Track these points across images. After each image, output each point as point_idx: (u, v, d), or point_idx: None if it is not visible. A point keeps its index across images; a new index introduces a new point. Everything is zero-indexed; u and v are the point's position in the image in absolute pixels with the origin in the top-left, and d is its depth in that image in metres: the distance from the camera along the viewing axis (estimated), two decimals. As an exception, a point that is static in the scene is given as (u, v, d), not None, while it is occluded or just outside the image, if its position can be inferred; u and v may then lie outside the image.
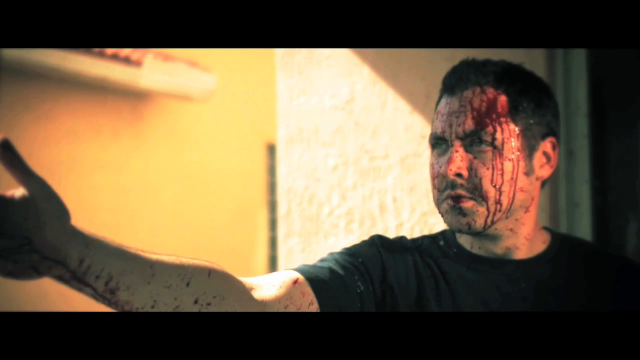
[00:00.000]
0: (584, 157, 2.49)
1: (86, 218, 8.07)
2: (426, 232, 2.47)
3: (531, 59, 2.42)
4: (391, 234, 2.52)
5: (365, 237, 2.58)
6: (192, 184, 9.51)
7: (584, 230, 2.48)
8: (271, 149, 10.54)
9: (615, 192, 2.66)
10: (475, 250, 1.52)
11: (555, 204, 2.46)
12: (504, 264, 1.50)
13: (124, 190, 8.67)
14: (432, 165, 1.50)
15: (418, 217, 2.50)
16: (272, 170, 10.62)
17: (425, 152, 2.50)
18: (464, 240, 1.54)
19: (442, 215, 1.49)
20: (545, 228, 1.59)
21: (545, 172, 1.51)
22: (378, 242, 1.54)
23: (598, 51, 2.56)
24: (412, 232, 2.50)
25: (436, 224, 2.46)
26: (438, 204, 1.49)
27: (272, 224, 10.45)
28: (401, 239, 1.59)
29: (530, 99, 1.48)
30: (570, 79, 2.50)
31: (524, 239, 1.51)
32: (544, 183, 1.54)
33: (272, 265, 10.24)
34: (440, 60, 2.43)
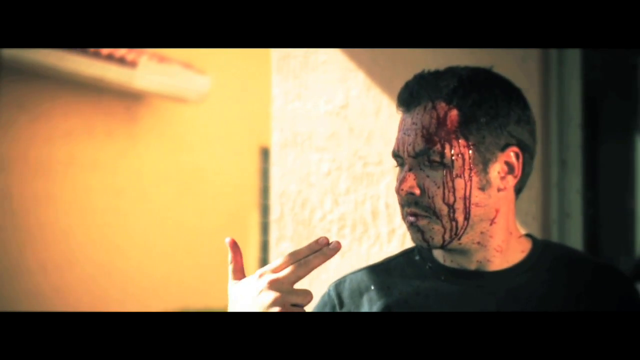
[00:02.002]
0: (576, 167, 2.49)
1: (80, 218, 8.05)
2: (418, 239, 2.47)
3: (525, 69, 2.43)
4: (383, 240, 2.52)
5: (357, 243, 2.59)
6: (185, 186, 9.51)
7: (575, 240, 2.49)
8: (265, 153, 10.54)
9: (607, 203, 2.67)
10: (448, 263, 1.51)
11: (547, 213, 2.47)
12: (479, 276, 1.48)
13: (117, 191, 8.66)
14: (396, 182, 1.50)
15: (410, 224, 2.51)
16: (265, 174, 10.62)
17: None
18: (438, 254, 1.52)
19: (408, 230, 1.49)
20: (528, 235, 1.56)
21: (507, 183, 1.46)
22: (336, 301, 1.55)
23: (592, 61, 2.57)
24: (403, 239, 2.50)
25: (428, 231, 2.46)
26: (402, 219, 1.49)
27: (264, 227, 10.44)
28: (361, 272, 1.58)
29: (485, 111, 1.44)
30: (564, 89, 2.51)
31: (494, 251, 1.48)
32: (519, 190, 1.50)
33: (264, 269, 10.22)
34: (436, 67, 2.44)
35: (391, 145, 2.60)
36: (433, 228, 1.44)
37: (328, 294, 1.58)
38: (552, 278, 1.50)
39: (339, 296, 1.55)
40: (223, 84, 9.82)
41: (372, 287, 1.53)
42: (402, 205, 1.47)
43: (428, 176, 1.43)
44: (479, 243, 1.47)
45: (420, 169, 1.44)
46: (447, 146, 1.43)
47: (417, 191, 1.44)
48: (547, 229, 2.46)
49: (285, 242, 2.65)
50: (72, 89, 8.24)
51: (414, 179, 1.44)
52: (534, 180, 2.42)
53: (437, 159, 1.42)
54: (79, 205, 8.16)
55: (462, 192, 1.43)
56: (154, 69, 8.66)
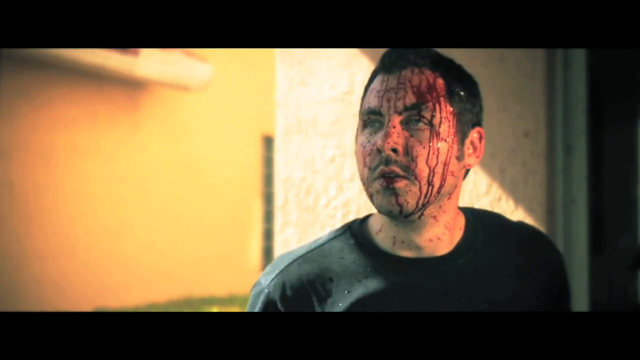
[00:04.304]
0: (582, 153, 2.49)
1: (81, 206, 8.04)
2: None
3: (531, 56, 2.42)
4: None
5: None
6: (187, 174, 9.52)
7: (580, 225, 2.49)
8: (267, 141, 10.54)
9: (612, 189, 2.67)
10: (397, 246, 1.46)
11: (552, 199, 2.47)
12: (425, 263, 1.46)
13: (119, 179, 8.67)
14: (362, 145, 1.44)
15: (415, 210, 2.51)
16: (267, 162, 10.62)
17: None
18: (384, 237, 1.48)
19: (372, 197, 1.43)
20: (459, 208, 1.54)
21: (471, 161, 1.47)
22: (278, 301, 1.46)
23: (597, 49, 2.56)
24: (408, 224, 2.50)
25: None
26: (368, 183, 1.43)
27: (267, 215, 10.45)
28: (295, 266, 1.49)
29: (464, 86, 1.47)
30: (570, 75, 2.51)
31: (444, 227, 1.46)
32: (465, 173, 1.51)
33: (267, 257, 10.25)
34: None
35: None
36: (410, 190, 1.40)
37: (269, 300, 1.48)
38: (490, 252, 1.51)
39: (283, 303, 1.47)
40: (225, 72, 9.82)
41: (316, 283, 1.46)
42: (374, 167, 1.42)
43: (412, 135, 1.41)
44: (434, 217, 1.46)
45: (404, 129, 1.42)
46: (438, 107, 1.43)
47: (401, 148, 1.40)
48: (553, 214, 2.46)
49: (290, 229, 2.65)
50: (74, 77, 8.23)
51: (399, 137, 1.41)
52: (540, 165, 2.42)
53: (428, 116, 1.41)
54: (81, 193, 8.16)
55: (445, 157, 1.42)
56: (156, 57, 8.65)
